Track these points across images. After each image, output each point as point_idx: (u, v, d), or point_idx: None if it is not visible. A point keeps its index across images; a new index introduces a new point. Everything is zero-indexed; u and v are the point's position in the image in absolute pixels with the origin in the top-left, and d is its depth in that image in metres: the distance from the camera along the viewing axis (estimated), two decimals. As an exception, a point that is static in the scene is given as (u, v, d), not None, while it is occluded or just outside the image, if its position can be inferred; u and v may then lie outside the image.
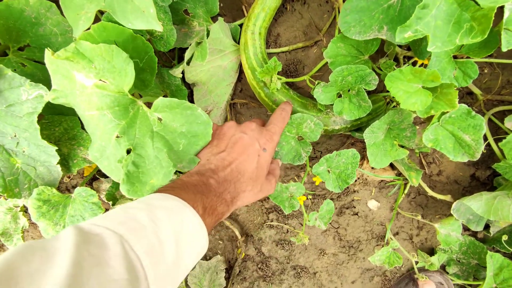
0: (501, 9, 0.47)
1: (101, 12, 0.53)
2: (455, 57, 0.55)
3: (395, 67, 0.63)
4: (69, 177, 0.89)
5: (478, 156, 0.55)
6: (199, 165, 0.49)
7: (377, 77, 0.56)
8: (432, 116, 0.58)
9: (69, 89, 0.49)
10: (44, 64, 0.61)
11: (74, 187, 0.90)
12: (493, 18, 0.40)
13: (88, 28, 0.50)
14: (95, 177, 0.87)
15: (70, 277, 0.25)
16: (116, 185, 0.78)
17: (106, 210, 0.91)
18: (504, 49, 0.47)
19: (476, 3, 0.42)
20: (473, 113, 0.54)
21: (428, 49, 0.44)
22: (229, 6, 0.72)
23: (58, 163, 0.58)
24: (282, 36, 0.72)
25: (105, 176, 0.84)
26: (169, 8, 0.57)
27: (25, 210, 0.80)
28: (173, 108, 0.51)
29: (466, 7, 0.43)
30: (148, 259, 0.31)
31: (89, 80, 0.48)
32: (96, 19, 0.47)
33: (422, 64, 0.65)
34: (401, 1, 0.52)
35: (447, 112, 0.55)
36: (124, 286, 0.28)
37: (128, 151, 0.53)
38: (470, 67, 0.53)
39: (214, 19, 0.65)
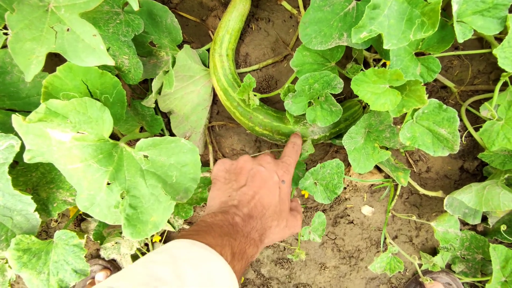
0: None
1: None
2: (418, 54, 0.56)
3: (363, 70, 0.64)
4: (56, 221, 0.87)
5: (457, 148, 0.55)
6: (221, 202, 0.46)
7: (342, 80, 0.56)
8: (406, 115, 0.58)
9: (44, 146, 0.48)
10: (16, 111, 0.62)
11: (62, 231, 0.88)
12: (440, 10, 0.41)
13: (54, 71, 0.51)
14: (83, 218, 0.85)
15: None
16: (102, 224, 0.76)
17: (98, 250, 0.89)
18: (460, 41, 0.48)
19: (424, -1, 0.43)
20: (445, 106, 0.54)
21: (384, 47, 0.45)
22: (196, 33, 0.74)
23: (35, 210, 0.57)
24: (251, 55, 0.73)
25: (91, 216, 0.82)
26: (132, 42, 0.58)
27: (12, 261, 0.78)
28: (157, 145, 0.52)
29: (415, 4, 0.44)
30: None
31: (66, 134, 0.47)
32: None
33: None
34: (356, 7, 0.54)
35: (419, 108, 0.55)
36: None
37: (122, 196, 0.53)
38: (432, 62, 0.53)
39: (180, 47, 0.66)
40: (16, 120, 0.43)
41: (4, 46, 0.52)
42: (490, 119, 0.60)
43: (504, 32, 0.51)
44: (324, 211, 0.79)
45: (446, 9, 0.55)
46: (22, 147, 0.50)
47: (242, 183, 0.48)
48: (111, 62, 0.38)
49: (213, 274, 0.33)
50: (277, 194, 0.48)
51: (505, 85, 0.59)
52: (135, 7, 0.31)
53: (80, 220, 0.85)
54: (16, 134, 0.52)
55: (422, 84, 0.52)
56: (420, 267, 0.75)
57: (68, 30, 0.37)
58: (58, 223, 0.87)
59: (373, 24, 0.45)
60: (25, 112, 0.60)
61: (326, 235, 0.80)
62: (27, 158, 0.49)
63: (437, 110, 0.55)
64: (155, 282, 0.30)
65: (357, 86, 0.52)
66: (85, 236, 0.84)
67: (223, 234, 0.39)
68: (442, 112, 0.55)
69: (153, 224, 0.53)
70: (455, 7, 0.46)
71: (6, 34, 0.50)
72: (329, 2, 0.54)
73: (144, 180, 0.53)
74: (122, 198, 0.53)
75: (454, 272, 0.76)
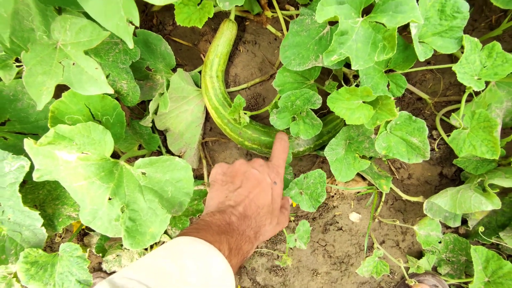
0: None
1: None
2: (388, 71, 0.61)
3: (342, 86, 0.70)
4: (60, 237, 0.91)
5: (428, 155, 0.60)
6: (219, 202, 0.50)
7: (320, 97, 0.62)
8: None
9: (52, 166, 0.54)
10: (25, 134, 0.67)
11: (66, 245, 0.92)
12: (397, 35, 0.47)
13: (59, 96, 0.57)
14: (86, 233, 0.89)
15: None
16: (103, 237, 0.81)
17: (100, 263, 0.92)
18: (421, 59, 0.53)
19: (384, 25, 0.49)
20: (414, 117, 0.59)
21: (352, 68, 0.50)
22: (189, 56, 0.80)
23: (42, 225, 0.61)
24: (240, 75, 0.79)
25: (93, 230, 0.86)
26: (130, 67, 0.64)
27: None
28: (153, 163, 0.57)
29: (378, 30, 0.50)
30: None
31: (71, 155, 0.53)
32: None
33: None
34: (330, 31, 0.60)
35: (391, 120, 0.60)
36: None
37: (122, 209, 0.58)
38: (399, 79, 0.59)
39: (174, 70, 0.73)
40: (28, 143, 0.49)
41: (18, 74, 0.58)
42: (459, 127, 0.66)
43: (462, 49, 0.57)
44: (314, 219, 0.84)
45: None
46: (31, 167, 0.56)
47: (237, 185, 0.52)
48: (110, 91, 0.43)
49: (212, 267, 0.37)
50: (270, 194, 0.52)
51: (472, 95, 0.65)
52: (130, 46, 0.36)
53: (83, 235, 0.89)
54: (26, 155, 0.58)
55: (392, 98, 0.58)
56: (407, 270, 0.79)
57: (73, 64, 0.43)
58: (62, 238, 0.91)
59: (342, 48, 0.51)
60: (34, 134, 0.66)
61: (317, 242, 0.84)
62: (36, 176, 0.54)
63: (408, 121, 0.60)
64: (160, 273, 0.34)
65: (333, 103, 0.57)
66: (88, 250, 0.88)
67: (220, 232, 0.42)
68: (412, 123, 0.60)
69: (151, 235, 0.58)
70: (413, 31, 0.52)
71: (18, 66, 0.56)
72: (305, 28, 0.61)
73: (142, 195, 0.58)
74: (122, 212, 0.58)
75: (440, 274, 0.80)
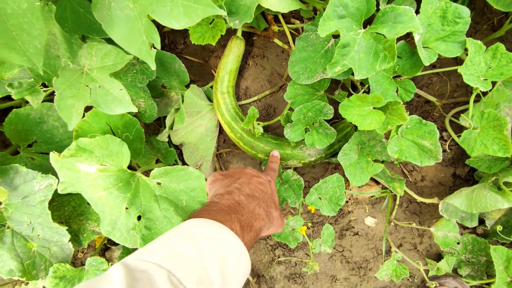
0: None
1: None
2: (396, 77, 0.63)
3: (351, 94, 0.72)
4: (83, 252, 0.94)
5: (440, 157, 0.61)
6: (225, 187, 0.53)
7: (332, 107, 0.64)
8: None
9: (74, 178, 0.57)
10: (50, 154, 0.71)
11: (88, 261, 0.94)
12: (402, 43, 0.49)
13: (83, 116, 0.61)
14: (107, 247, 0.92)
15: None
16: (126, 250, 0.83)
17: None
18: (426, 64, 0.55)
19: (384, 36, 0.51)
20: (424, 121, 0.60)
21: (356, 77, 0.52)
22: (200, 72, 0.84)
23: (69, 240, 0.64)
24: (250, 88, 0.82)
25: (115, 244, 0.89)
26: (147, 87, 0.68)
27: (45, 292, 0.84)
28: (168, 173, 0.60)
29: (379, 40, 0.53)
30: None
31: (91, 167, 0.56)
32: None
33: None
34: (334, 44, 0.62)
35: (402, 124, 0.62)
36: None
37: (139, 218, 0.60)
38: (407, 84, 0.60)
39: (188, 86, 0.76)
40: (53, 156, 0.52)
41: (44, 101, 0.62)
42: (469, 128, 0.67)
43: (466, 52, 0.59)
44: (329, 224, 0.84)
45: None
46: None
47: (236, 178, 0.55)
48: (135, 109, 0.46)
49: (226, 245, 0.38)
50: (268, 186, 0.56)
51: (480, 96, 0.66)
52: (153, 67, 0.39)
53: (104, 249, 0.92)
54: (53, 174, 0.61)
55: (402, 103, 0.60)
56: (427, 273, 0.78)
57: (99, 86, 0.46)
58: (84, 254, 0.94)
59: (345, 59, 0.53)
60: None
61: (334, 247, 0.84)
62: (60, 189, 0.57)
63: (418, 125, 0.62)
64: (177, 255, 0.34)
65: (344, 110, 0.59)
66: (110, 264, 0.91)
67: (230, 211, 0.44)
68: (423, 126, 0.61)
69: None
70: (417, 38, 0.54)
71: (45, 91, 0.60)
72: (311, 43, 0.63)
73: (158, 204, 0.61)
74: (139, 221, 0.60)
75: (461, 276, 0.79)
